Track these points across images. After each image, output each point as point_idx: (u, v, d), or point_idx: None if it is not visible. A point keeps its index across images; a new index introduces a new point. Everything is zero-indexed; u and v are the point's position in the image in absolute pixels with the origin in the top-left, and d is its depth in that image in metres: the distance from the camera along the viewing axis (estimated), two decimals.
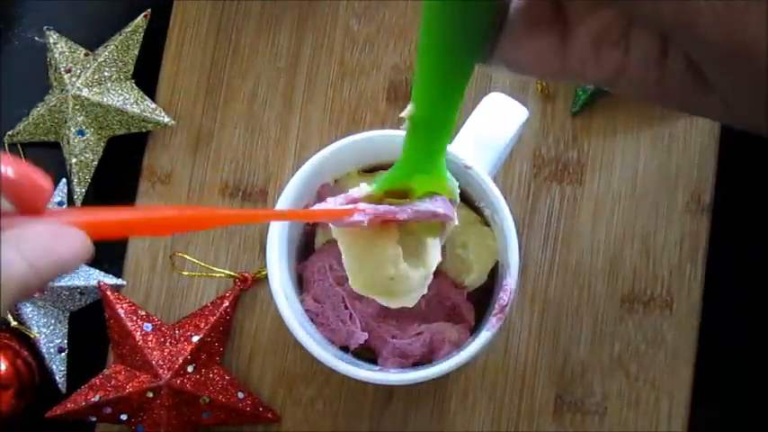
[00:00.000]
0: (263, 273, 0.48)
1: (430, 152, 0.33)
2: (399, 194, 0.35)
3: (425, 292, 0.37)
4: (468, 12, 0.25)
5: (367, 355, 0.44)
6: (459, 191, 0.36)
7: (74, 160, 0.49)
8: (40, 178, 0.24)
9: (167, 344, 0.47)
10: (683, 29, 0.22)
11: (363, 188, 0.35)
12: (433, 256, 0.37)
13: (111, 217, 0.26)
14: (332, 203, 0.34)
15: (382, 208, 0.34)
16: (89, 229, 0.25)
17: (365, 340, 0.43)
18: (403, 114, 0.30)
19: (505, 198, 0.41)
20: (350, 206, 0.34)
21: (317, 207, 0.35)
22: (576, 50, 0.26)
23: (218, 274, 0.49)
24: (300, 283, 0.45)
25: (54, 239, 0.24)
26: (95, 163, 0.50)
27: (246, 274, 0.49)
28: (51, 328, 0.48)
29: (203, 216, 0.30)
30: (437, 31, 0.26)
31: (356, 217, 0.33)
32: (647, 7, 0.22)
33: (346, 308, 0.44)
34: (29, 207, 0.24)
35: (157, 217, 0.28)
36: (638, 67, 0.25)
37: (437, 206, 0.35)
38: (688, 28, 0.22)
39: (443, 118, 0.30)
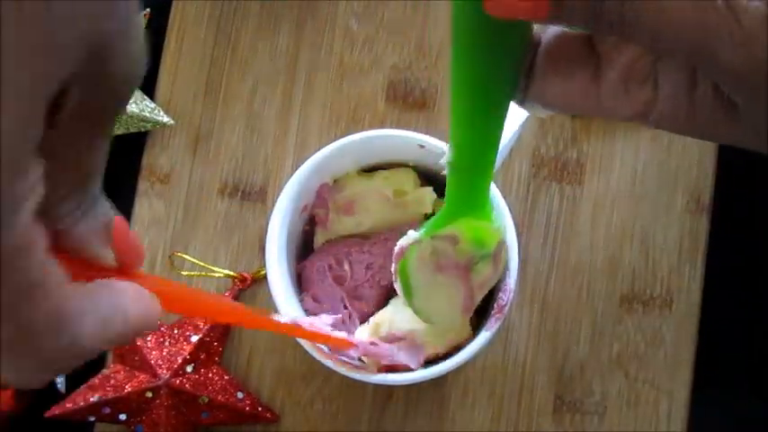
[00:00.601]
0: (263, 272, 0.48)
1: (473, 193, 0.34)
2: (449, 239, 0.36)
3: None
4: (499, 43, 0.25)
5: None
6: (507, 230, 0.38)
7: None
8: (140, 246, 0.26)
9: (166, 344, 0.47)
10: (706, 58, 0.22)
11: (411, 235, 0.36)
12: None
13: (186, 295, 0.30)
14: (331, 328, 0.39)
15: (372, 349, 0.40)
16: (163, 301, 0.26)
17: None
18: (442, 161, 0.31)
19: (505, 198, 0.41)
20: (345, 336, 0.40)
21: (320, 324, 0.39)
22: (608, 88, 0.26)
23: (217, 274, 0.49)
24: (300, 283, 0.45)
25: (132, 302, 0.24)
26: None
27: (246, 274, 0.49)
28: None
29: (260, 321, 0.36)
30: (469, 71, 0.26)
31: (351, 352, 0.40)
32: (668, 40, 0.22)
33: (346, 308, 0.44)
34: (123, 268, 0.25)
35: (226, 307, 0.32)
36: (668, 101, 0.25)
37: (411, 360, 0.41)
38: (710, 56, 0.22)
39: (482, 160, 0.31)
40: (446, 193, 0.34)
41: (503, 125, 0.29)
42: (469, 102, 0.27)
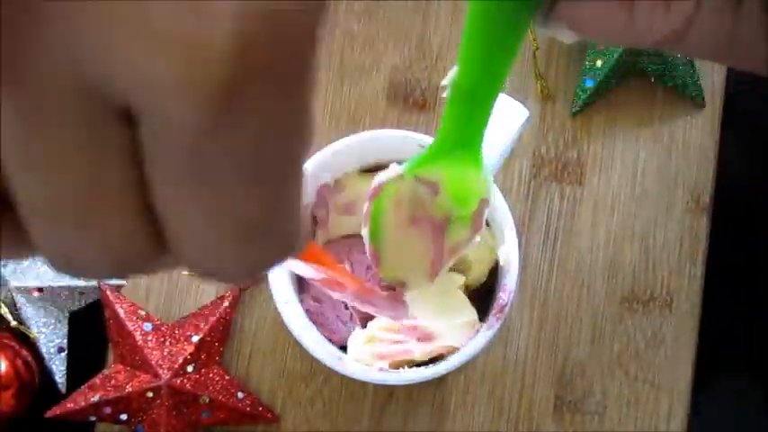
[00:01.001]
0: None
1: (469, 125, 0.30)
2: (430, 186, 0.33)
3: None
4: None
5: None
6: (494, 189, 0.35)
7: None
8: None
9: (167, 344, 0.47)
10: None
11: (393, 169, 0.33)
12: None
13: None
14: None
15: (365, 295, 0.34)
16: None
17: None
18: (444, 82, 0.28)
19: (505, 197, 0.41)
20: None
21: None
22: (644, 4, 0.24)
23: None
24: (300, 283, 0.45)
25: None
26: None
27: None
28: (51, 327, 0.48)
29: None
30: None
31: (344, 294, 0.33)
32: None
33: (346, 308, 0.44)
34: None
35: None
36: (709, 18, 0.23)
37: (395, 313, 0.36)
38: None
39: (489, 87, 0.28)
40: (441, 124, 0.30)
41: (519, 47, 0.26)
42: (486, 14, 0.25)
